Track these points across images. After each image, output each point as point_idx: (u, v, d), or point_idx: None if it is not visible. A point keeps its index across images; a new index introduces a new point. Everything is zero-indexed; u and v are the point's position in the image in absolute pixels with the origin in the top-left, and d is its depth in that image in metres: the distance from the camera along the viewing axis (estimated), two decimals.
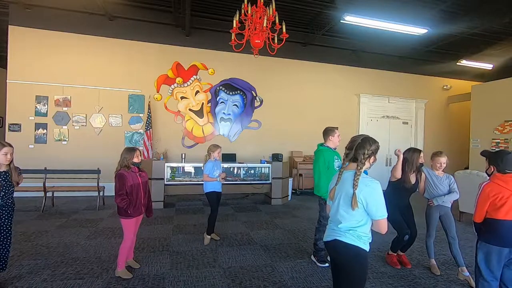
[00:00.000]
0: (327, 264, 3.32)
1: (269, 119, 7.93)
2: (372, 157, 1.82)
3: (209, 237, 4.02)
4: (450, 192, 3.16)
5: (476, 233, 2.40)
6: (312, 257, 3.51)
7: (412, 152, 3.22)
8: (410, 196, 3.33)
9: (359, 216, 1.74)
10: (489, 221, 2.27)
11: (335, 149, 3.42)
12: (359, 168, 1.76)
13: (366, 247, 1.77)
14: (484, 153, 2.49)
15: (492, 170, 2.33)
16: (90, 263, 3.24)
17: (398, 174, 3.13)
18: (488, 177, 2.38)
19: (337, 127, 3.51)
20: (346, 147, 1.91)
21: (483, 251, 2.30)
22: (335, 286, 1.90)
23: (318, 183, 3.31)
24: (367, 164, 1.82)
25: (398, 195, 3.23)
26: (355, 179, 1.72)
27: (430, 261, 3.32)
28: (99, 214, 5.27)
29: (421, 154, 3.20)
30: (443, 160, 3.18)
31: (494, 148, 7.44)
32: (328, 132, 3.46)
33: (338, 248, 1.79)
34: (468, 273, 3.02)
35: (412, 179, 3.20)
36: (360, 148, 1.79)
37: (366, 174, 1.85)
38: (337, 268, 1.86)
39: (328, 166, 3.24)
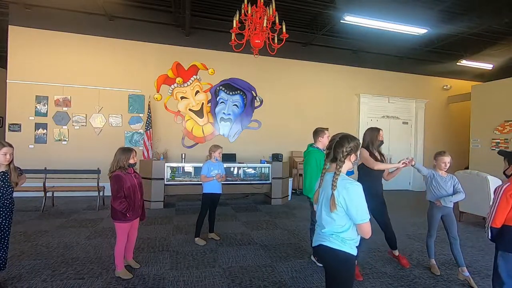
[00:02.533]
0: None
1: (269, 119, 7.93)
2: (353, 155, 1.74)
3: (197, 238, 3.96)
4: (455, 192, 3.15)
5: (490, 239, 2.20)
6: (312, 257, 3.52)
7: (370, 130, 3.29)
8: (381, 180, 3.31)
9: (342, 220, 1.66)
10: (507, 229, 2.12)
11: (323, 150, 3.43)
12: (338, 167, 1.68)
13: (352, 251, 1.68)
14: (502, 153, 2.35)
15: None
16: (90, 263, 3.23)
17: (379, 167, 3.14)
18: (507, 178, 2.23)
19: (327, 128, 3.52)
20: (326, 147, 1.84)
21: (504, 261, 2.15)
22: None
23: (309, 184, 3.29)
24: (348, 163, 1.74)
25: (373, 180, 3.20)
26: (334, 179, 1.65)
27: (430, 261, 3.32)
28: (99, 214, 5.27)
29: (381, 132, 3.27)
30: (447, 159, 3.16)
31: (494, 148, 7.44)
32: (318, 132, 3.47)
33: (323, 253, 1.73)
34: (468, 273, 3.02)
35: (378, 157, 3.22)
36: (338, 147, 1.72)
37: (351, 174, 1.75)
38: (326, 272, 1.81)
39: (320, 167, 3.25)
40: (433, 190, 3.20)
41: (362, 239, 1.76)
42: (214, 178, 3.95)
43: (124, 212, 2.83)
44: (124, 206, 2.81)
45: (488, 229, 2.17)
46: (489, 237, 2.19)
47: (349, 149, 1.72)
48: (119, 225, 2.91)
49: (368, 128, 3.38)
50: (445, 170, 3.19)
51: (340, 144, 1.73)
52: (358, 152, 1.82)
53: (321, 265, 3.34)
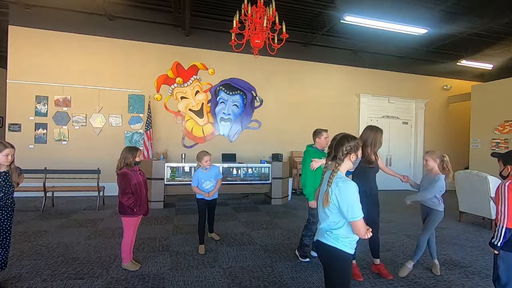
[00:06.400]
0: (308, 259, 3.43)
1: (269, 119, 7.93)
2: (353, 154, 1.78)
3: (203, 246, 3.74)
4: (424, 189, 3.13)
5: (501, 245, 2.12)
6: (296, 251, 3.58)
7: (375, 131, 3.06)
8: (375, 180, 3.19)
9: (335, 217, 1.70)
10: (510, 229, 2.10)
11: (323, 150, 3.44)
12: (336, 165, 1.75)
13: (347, 249, 1.71)
14: (496, 155, 2.36)
15: (509, 170, 2.20)
16: (90, 263, 3.23)
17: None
18: (504, 179, 2.24)
19: (327, 130, 3.53)
20: (328, 147, 1.91)
21: (505, 262, 2.15)
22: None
23: (304, 182, 3.35)
24: (347, 163, 1.78)
25: (367, 178, 3.07)
26: (330, 176, 1.72)
27: (433, 261, 3.31)
28: (99, 214, 5.27)
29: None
30: (426, 157, 3.15)
31: (494, 148, 7.44)
32: (316, 133, 3.51)
33: (319, 249, 1.79)
34: (412, 265, 3.13)
35: (372, 157, 3.06)
36: (338, 146, 1.78)
37: (349, 174, 1.77)
38: (323, 268, 1.86)
39: None
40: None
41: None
42: (203, 194, 3.73)
43: (132, 207, 2.96)
44: (132, 201, 2.94)
45: (501, 233, 2.10)
46: (501, 242, 2.10)
47: (349, 148, 1.76)
48: (127, 219, 3.03)
49: (373, 127, 3.12)
50: (427, 168, 3.16)
51: (340, 144, 1.78)
52: (359, 152, 1.83)
53: (303, 260, 3.45)
